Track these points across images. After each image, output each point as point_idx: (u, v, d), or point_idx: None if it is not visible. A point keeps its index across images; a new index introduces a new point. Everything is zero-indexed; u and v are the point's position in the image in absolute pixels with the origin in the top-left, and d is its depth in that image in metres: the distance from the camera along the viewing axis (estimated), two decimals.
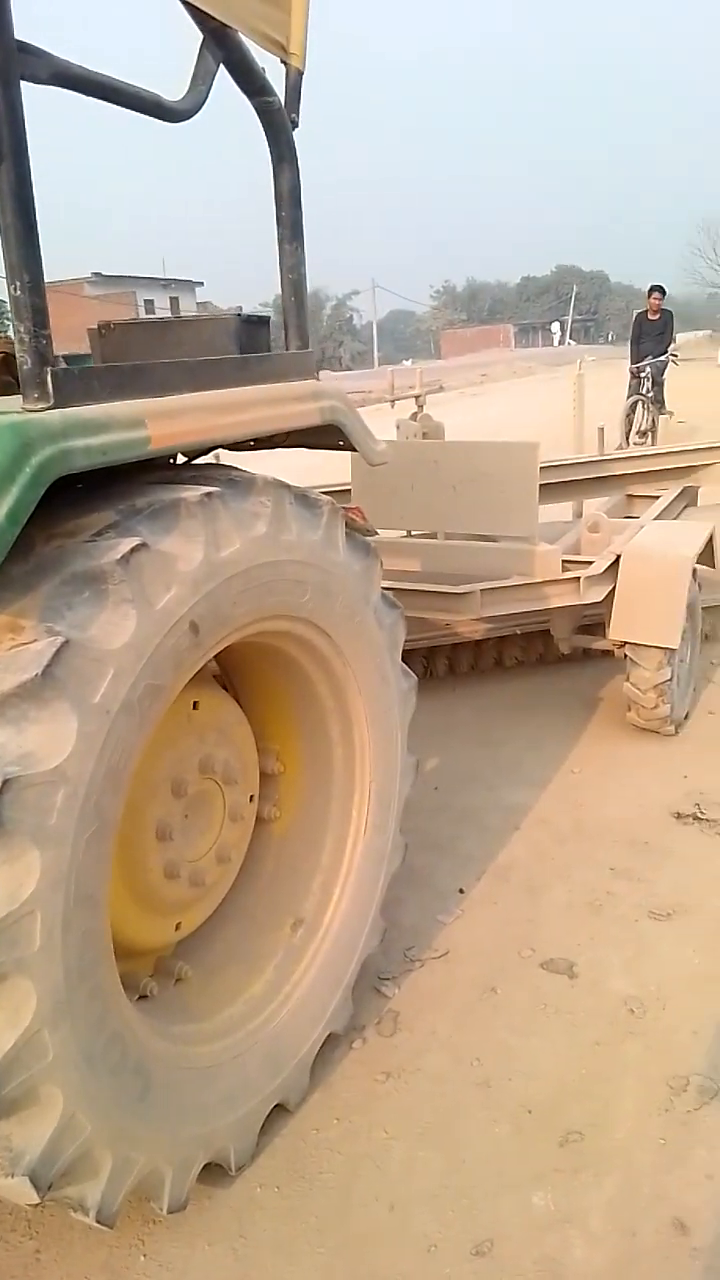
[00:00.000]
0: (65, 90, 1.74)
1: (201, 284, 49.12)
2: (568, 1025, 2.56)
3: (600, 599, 4.04)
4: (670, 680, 4.01)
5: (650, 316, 12.11)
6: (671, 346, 12.02)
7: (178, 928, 2.23)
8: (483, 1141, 2.22)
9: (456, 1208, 2.06)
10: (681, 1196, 2.05)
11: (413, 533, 4.80)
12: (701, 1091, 2.30)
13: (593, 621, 4.47)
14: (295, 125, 2.28)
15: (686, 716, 4.36)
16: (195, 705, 2.17)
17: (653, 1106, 2.27)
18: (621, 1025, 2.54)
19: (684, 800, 3.65)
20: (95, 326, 1.98)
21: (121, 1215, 1.83)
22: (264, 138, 2.28)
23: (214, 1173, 2.07)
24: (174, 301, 44.60)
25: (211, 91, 2.09)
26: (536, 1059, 2.45)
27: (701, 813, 3.55)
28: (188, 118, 2.02)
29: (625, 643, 4.02)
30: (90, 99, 1.84)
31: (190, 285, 47.24)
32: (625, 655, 4.06)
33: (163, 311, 41.79)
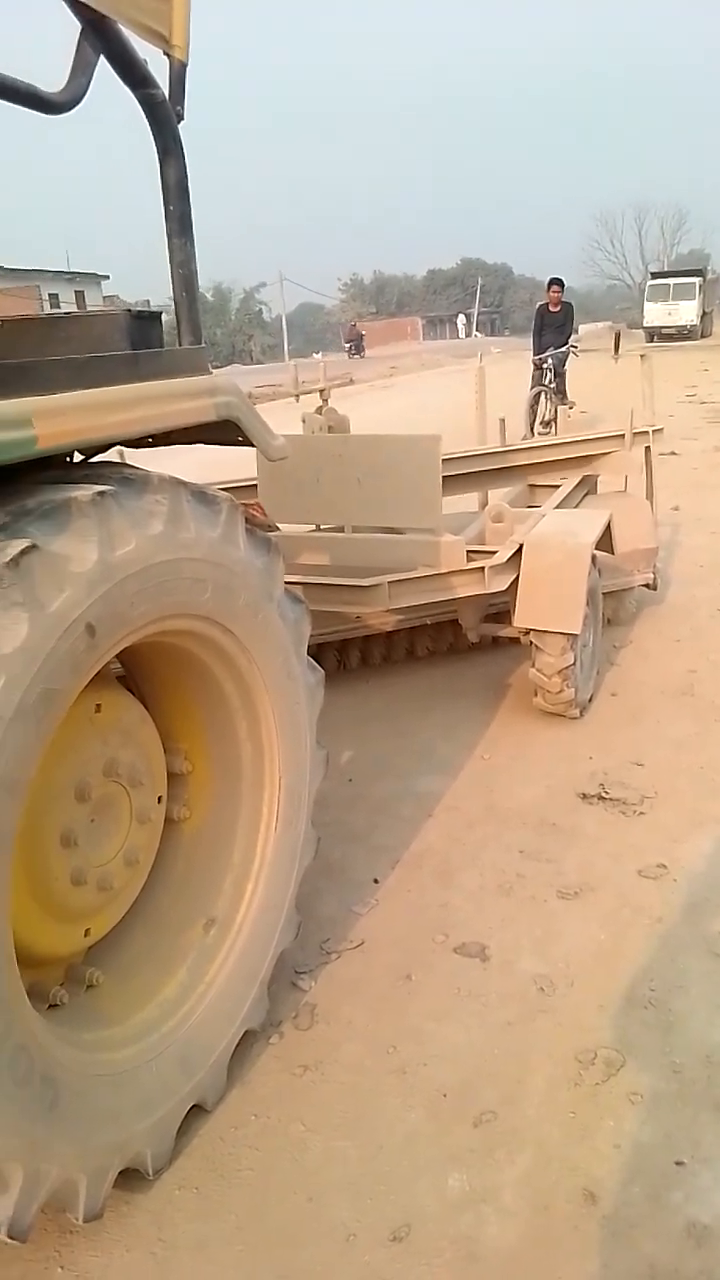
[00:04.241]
0: None
1: (107, 277, 48.11)
2: (480, 1007, 2.61)
3: (505, 588, 4.12)
4: (574, 665, 4.11)
5: (551, 308, 12.35)
6: (572, 338, 12.28)
7: (87, 934, 2.20)
8: (399, 1128, 2.25)
9: (374, 1195, 2.09)
10: (590, 1167, 2.11)
11: (320, 527, 4.81)
12: (608, 1064, 2.37)
13: (499, 610, 4.55)
14: (181, 118, 2.25)
15: (590, 699, 4.47)
16: (98, 708, 2.14)
17: (563, 1081, 2.34)
18: (532, 1004, 2.60)
19: (589, 781, 3.75)
20: None
21: (36, 1227, 1.80)
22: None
23: (131, 1178, 2.06)
24: (79, 295, 43.57)
25: (93, 82, 2.06)
26: (450, 1043, 2.49)
27: (606, 793, 3.65)
28: (68, 109, 1.99)
29: (530, 630, 4.10)
30: None
31: (96, 279, 46.21)
32: (530, 642, 4.15)
33: (68, 305, 40.81)
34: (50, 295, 41.45)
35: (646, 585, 5.45)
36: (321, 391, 5.33)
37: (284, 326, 55.54)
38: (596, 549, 4.31)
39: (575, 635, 4.04)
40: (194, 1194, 2.12)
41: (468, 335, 60.20)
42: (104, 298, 45.78)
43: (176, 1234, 2.03)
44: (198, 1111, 2.25)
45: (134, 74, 2.16)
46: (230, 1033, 2.35)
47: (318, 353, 48.07)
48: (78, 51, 2.02)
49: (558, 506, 4.96)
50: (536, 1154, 2.15)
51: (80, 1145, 1.86)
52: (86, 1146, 1.88)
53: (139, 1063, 2.11)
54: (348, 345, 45.47)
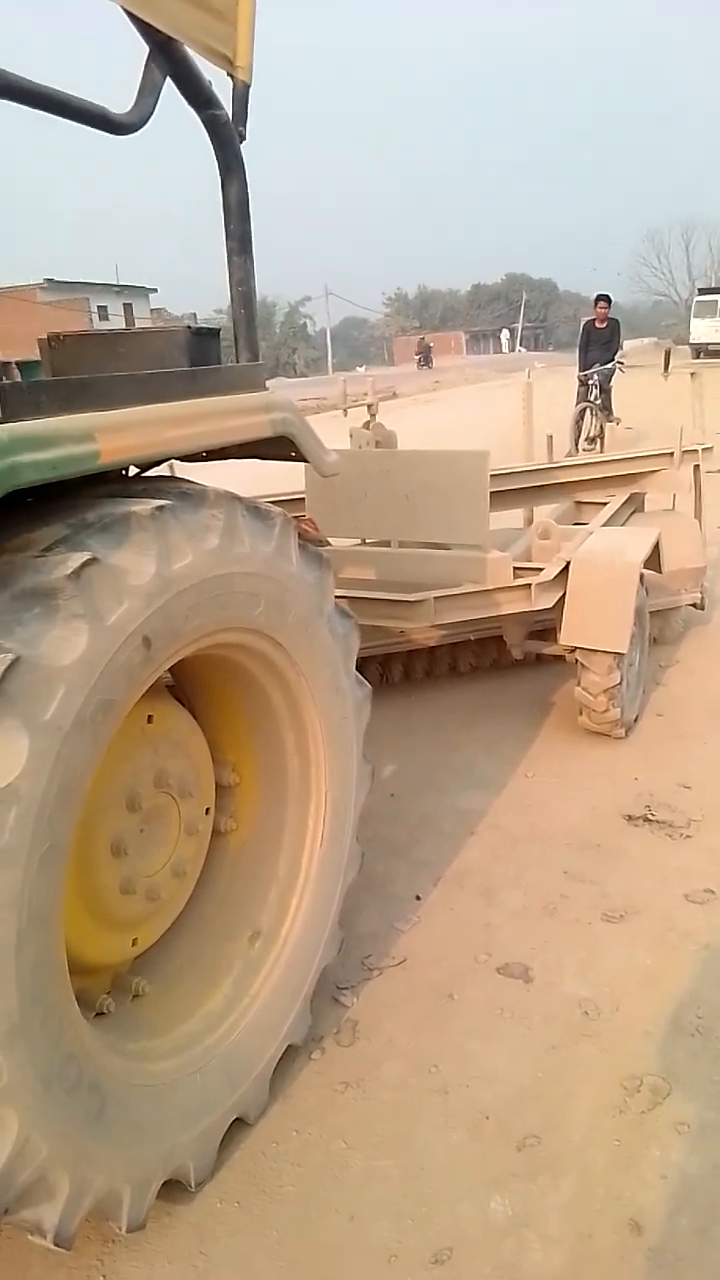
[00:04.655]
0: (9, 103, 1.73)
1: (155, 290, 48.87)
2: (524, 1029, 2.58)
3: (551, 605, 4.09)
4: (620, 684, 4.07)
5: (598, 325, 12.29)
6: (619, 354, 12.21)
7: (134, 943, 2.21)
8: (441, 1149, 2.23)
9: (415, 1216, 2.07)
10: (636, 1197, 2.08)
11: (367, 541, 4.82)
12: (654, 1091, 2.33)
13: (544, 627, 4.51)
14: (243, 138, 2.28)
15: (636, 719, 4.43)
16: (149, 719, 2.16)
17: (607, 1108, 2.30)
18: (576, 1028, 2.57)
19: (634, 802, 3.71)
20: (45, 338, 1.96)
21: (80, 1236, 1.81)
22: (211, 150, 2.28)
23: (173, 1189, 2.06)
24: (127, 308, 44.28)
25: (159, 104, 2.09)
26: (493, 1064, 2.47)
27: (651, 814, 3.61)
28: (135, 130, 2.02)
29: (576, 648, 4.07)
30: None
31: (144, 292, 46.93)
32: (576, 660, 4.12)
33: (116, 318, 41.49)
34: (99, 308, 42.17)
35: (694, 604, 5.39)
36: (369, 406, 5.34)
37: (328, 340, 55.89)
38: (644, 567, 4.27)
39: (622, 654, 4.01)
40: (235, 1208, 2.11)
41: (511, 350, 60.22)
42: (151, 310, 46.46)
43: (218, 1247, 2.03)
44: (239, 1125, 2.25)
45: (199, 95, 2.19)
46: (273, 1047, 2.35)
47: (362, 366, 48.53)
48: (145, 73, 2.06)
49: (605, 524, 4.93)
50: (581, 1181, 2.13)
51: (125, 1155, 1.87)
52: (131, 1156, 1.89)
53: (183, 1074, 2.11)
54: (417, 357, 50.39)
